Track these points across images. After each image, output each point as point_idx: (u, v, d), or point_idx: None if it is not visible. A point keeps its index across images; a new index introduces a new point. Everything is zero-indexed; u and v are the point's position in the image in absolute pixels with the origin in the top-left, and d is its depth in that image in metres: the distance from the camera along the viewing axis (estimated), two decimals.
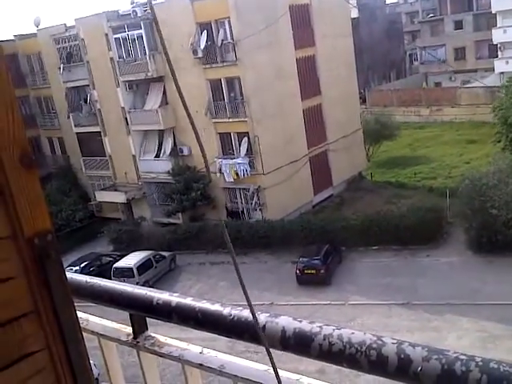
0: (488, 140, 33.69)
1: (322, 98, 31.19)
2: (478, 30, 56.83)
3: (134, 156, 32.16)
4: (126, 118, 31.44)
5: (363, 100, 49.79)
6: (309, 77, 30.26)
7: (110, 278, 21.94)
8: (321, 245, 23.95)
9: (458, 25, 58.73)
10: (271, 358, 1.25)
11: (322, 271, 22.72)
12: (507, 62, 49.98)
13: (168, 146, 30.24)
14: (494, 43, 51.86)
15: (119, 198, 32.45)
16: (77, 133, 34.85)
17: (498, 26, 51.30)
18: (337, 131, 31.90)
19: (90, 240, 31.05)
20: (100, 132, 33.75)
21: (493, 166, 24.25)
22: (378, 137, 37.13)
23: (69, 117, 34.78)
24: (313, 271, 22.80)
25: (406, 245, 24.17)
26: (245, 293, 1.25)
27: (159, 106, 29.75)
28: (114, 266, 25.48)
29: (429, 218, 24.40)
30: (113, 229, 30.01)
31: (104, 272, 24.26)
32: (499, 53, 51.72)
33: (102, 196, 33.61)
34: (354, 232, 24.95)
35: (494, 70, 51.86)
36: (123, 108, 31.54)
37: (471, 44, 57.39)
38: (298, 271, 23.05)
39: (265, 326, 1.34)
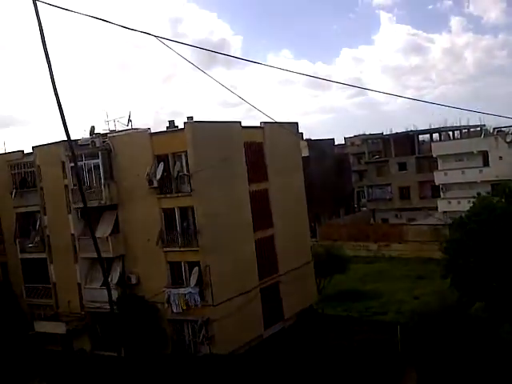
0: (435, 276, 34.38)
1: (274, 230, 31.68)
2: (420, 172, 60.84)
3: (79, 284, 31.03)
4: (75, 245, 30.82)
5: (314, 233, 50.94)
6: (261, 209, 30.94)
7: None
8: None
9: (402, 166, 62.84)
10: None
11: None
12: (449, 202, 53.00)
13: (116, 274, 29.42)
14: (436, 184, 55.35)
15: (59, 328, 30.66)
16: (21, 259, 33.78)
17: (438, 168, 55.16)
18: (288, 263, 32.04)
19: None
20: (46, 259, 32.80)
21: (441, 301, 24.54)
22: (329, 270, 37.45)
23: (16, 242, 33.95)
24: None
25: None
26: None
27: (110, 234, 29.43)
28: None
29: (382, 354, 23.90)
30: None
31: None
32: (441, 193, 55.01)
33: (42, 326, 31.72)
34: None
35: (437, 208, 54.72)
36: (73, 235, 31.04)
37: (415, 184, 61.07)
38: None
39: None
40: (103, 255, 29.33)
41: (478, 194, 31.26)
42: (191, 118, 28.09)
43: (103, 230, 29.97)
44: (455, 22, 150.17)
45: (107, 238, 29.23)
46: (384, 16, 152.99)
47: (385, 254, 49.44)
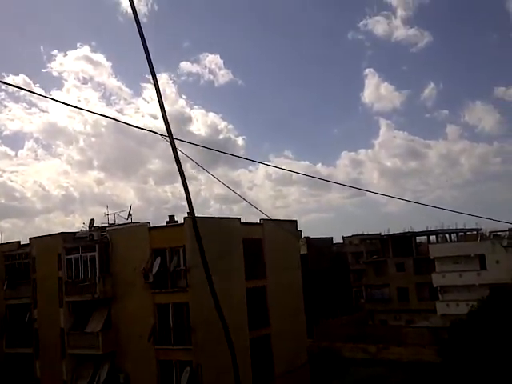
0: (436, 382, 33.05)
1: (270, 329, 30.83)
2: (418, 273, 60.19)
3: (64, 382, 29.65)
4: (63, 341, 29.82)
5: (311, 333, 49.49)
6: (258, 307, 30.33)
7: None
8: None
9: (400, 267, 62.30)
10: None
11: None
12: (448, 305, 52.04)
13: (104, 372, 28.22)
14: (434, 286, 54.62)
15: None
16: (7, 353, 32.56)
17: (436, 270, 54.73)
18: (284, 364, 30.86)
19: None
20: (32, 354, 31.62)
21: None
22: (327, 374, 36.00)
23: (2, 337, 32.94)
24: None
25: None
26: None
27: (101, 330, 28.59)
28: None
29: None
30: None
31: None
32: (440, 295, 54.14)
33: None
34: None
35: (436, 311, 53.59)
36: (62, 329, 30.15)
37: (413, 286, 60.21)
38: None
39: None
40: (92, 352, 28.43)
41: (482, 298, 30.98)
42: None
43: (94, 325, 29.19)
44: (451, 129, 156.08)
45: (97, 333, 28.41)
46: (383, 122, 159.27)
47: (384, 357, 47.70)
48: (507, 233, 60.78)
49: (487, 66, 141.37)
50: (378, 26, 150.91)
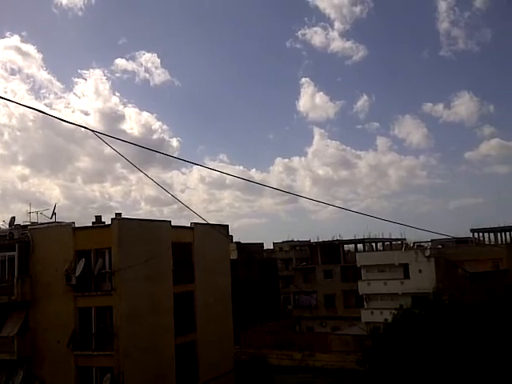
0: None
1: (196, 335, 30.35)
2: (345, 281, 61.54)
3: None
4: None
5: (238, 340, 49.29)
6: (185, 312, 29.78)
7: None
8: None
9: (328, 274, 63.49)
10: None
11: None
12: (372, 313, 53.35)
13: (18, 378, 26.69)
14: (360, 294, 55.93)
15: None
16: None
17: (362, 278, 56.08)
18: (210, 371, 30.42)
19: None
20: None
21: None
22: (253, 381, 35.84)
23: None
24: None
25: None
26: None
27: (16, 333, 27.04)
28: None
29: None
30: None
31: None
32: (365, 303, 55.48)
33: None
34: None
35: (361, 318, 54.84)
36: None
37: (340, 293, 61.51)
38: None
39: None
40: (6, 357, 26.87)
41: (401, 306, 31.74)
42: (120, 214, 27.44)
43: (10, 328, 27.60)
44: (381, 141, 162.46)
45: (13, 337, 26.87)
46: (317, 131, 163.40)
47: (309, 363, 48.25)
48: (430, 243, 63.51)
49: (417, 81, 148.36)
50: (315, 36, 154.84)
